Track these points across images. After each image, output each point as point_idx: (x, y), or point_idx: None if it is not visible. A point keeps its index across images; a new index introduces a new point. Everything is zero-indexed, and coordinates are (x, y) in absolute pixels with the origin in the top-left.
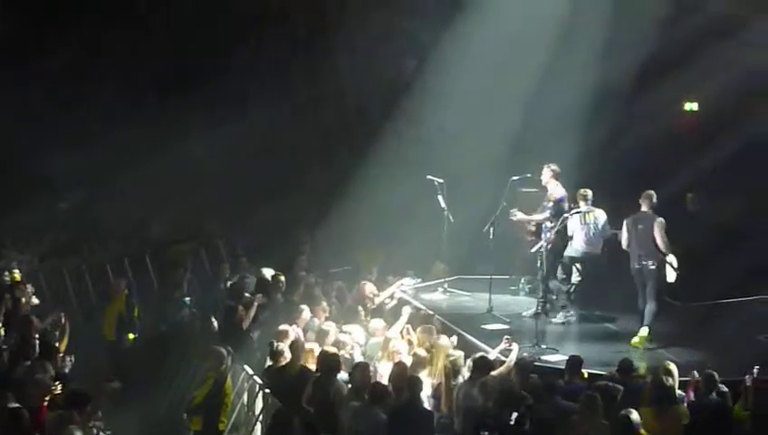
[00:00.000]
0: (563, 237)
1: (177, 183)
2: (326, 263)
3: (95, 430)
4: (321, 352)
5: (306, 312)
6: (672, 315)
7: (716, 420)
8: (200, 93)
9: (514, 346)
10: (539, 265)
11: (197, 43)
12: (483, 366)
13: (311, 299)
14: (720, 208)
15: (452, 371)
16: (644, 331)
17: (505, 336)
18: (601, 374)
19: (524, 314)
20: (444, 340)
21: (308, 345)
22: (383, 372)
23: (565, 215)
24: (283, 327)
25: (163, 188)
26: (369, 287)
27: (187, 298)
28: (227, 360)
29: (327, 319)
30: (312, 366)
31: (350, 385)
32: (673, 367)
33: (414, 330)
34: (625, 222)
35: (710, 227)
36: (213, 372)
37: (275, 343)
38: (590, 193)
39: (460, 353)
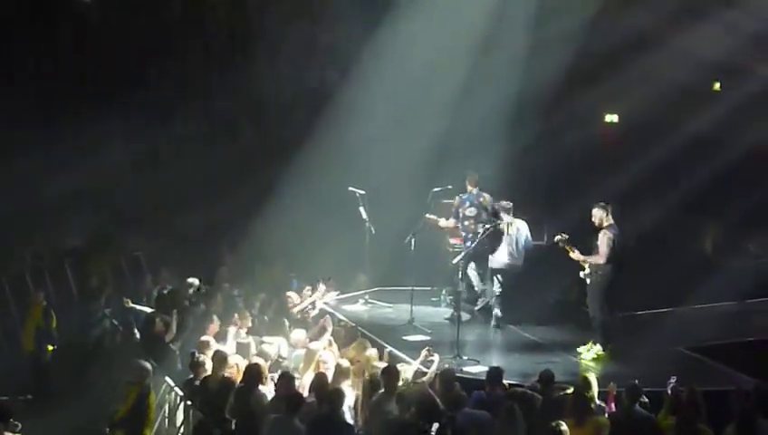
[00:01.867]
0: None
1: (96, 194)
2: (244, 275)
3: None
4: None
5: (216, 323)
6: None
7: (641, 431)
8: (119, 104)
9: (435, 357)
10: (459, 276)
11: (116, 53)
12: (392, 375)
13: (233, 310)
14: (640, 220)
15: (371, 384)
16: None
17: (426, 347)
18: (522, 385)
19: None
20: (372, 352)
21: (231, 359)
22: (306, 383)
23: (487, 226)
24: (204, 338)
25: (82, 200)
26: (292, 297)
27: (107, 310)
28: (150, 373)
29: (249, 331)
30: (231, 378)
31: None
32: (592, 377)
33: (336, 342)
34: (615, 236)
35: (630, 238)
36: (136, 386)
37: (197, 355)
38: (510, 204)
39: (383, 365)
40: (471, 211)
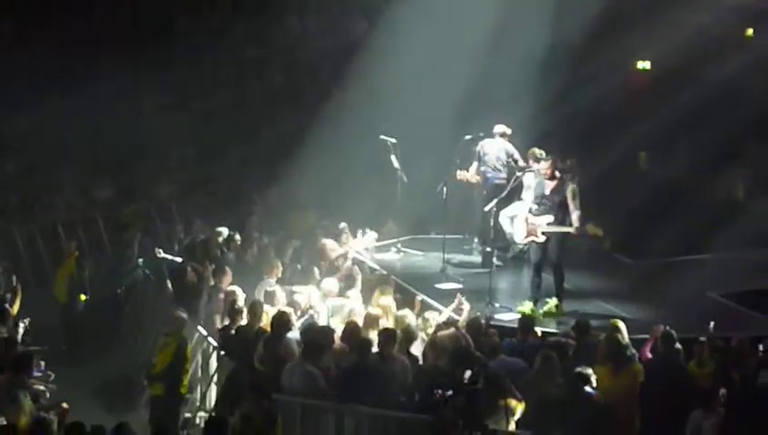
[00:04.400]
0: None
1: (126, 143)
2: (275, 222)
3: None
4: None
5: (229, 274)
6: (623, 273)
7: (673, 378)
8: (147, 53)
9: (465, 305)
10: (492, 224)
11: (144, 3)
12: (389, 338)
13: (266, 260)
14: (672, 167)
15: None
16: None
17: (458, 294)
18: (555, 333)
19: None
20: (387, 300)
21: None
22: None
23: (517, 174)
24: (231, 288)
25: (112, 149)
26: (330, 244)
27: (140, 259)
28: (186, 323)
29: (279, 280)
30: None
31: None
32: (621, 324)
33: (368, 291)
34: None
35: (662, 185)
36: (173, 337)
37: (235, 303)
38: (542, 152)
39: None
40: (490, 150)
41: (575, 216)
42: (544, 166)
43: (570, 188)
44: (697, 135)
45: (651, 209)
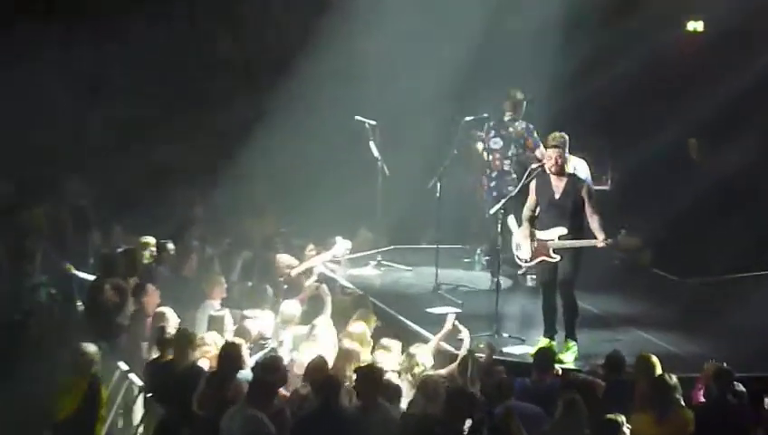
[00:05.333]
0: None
1: (28, 129)
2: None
3: None
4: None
5: (154, 294)
6: (667, 294)
7: (731, 427)
8: (56, 15)
9: (464, 333)
10: (499, 229)
11: None
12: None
13: (208, 275)
14: (731, 157)
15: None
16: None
17: (450, 317)
18: (580, 371)
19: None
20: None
21: (206, 337)
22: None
23: (533, 166)
24: (161, 310)
25: (9, 136)
26: (285, 259)
27: (44, 276)
28: (98, 358)
29: (224, 301)
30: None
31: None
32: (655, 359)
33: (341, 315)
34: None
35: (718, 180)
36: (83, 377)
37: (165, 330)
38: (564, 138)
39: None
40: (496, 142)
41: (596, 222)
42: (551, 154)
43: (585, 187)
44: (763, 116)
45: (704, 212)
